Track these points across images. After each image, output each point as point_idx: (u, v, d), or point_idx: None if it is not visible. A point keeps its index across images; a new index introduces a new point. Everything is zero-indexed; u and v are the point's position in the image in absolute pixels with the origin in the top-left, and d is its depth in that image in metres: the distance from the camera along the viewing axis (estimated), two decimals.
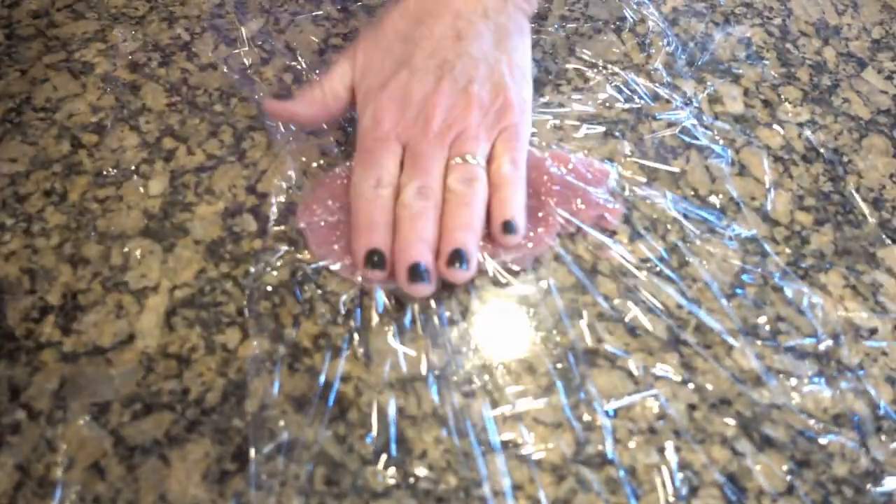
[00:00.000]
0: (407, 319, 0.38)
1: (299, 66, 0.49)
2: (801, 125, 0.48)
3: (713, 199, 0.44)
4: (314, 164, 0.44)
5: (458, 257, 0.37)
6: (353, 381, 0.36)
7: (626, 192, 0.44)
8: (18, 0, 0.52)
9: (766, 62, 0.51)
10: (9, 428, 0.34)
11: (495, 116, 0.41)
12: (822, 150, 0.46)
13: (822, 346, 0.38)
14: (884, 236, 0.43)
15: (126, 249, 0.40)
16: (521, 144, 0.42)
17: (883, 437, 0.35)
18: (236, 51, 0.50)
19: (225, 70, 0.48)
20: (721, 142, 0.46)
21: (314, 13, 0.53)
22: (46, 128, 0.45)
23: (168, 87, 0.48)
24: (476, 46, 0.42)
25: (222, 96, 0.47)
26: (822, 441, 0.35)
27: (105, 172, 0.43)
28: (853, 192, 0.45)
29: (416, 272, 0.37)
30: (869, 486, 0.34)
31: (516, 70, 0.43)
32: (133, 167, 0.43)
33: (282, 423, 0.34)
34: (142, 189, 0.42)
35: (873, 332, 0.39)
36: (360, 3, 0.53)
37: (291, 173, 0.43)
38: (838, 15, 0.55)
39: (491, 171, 0.40)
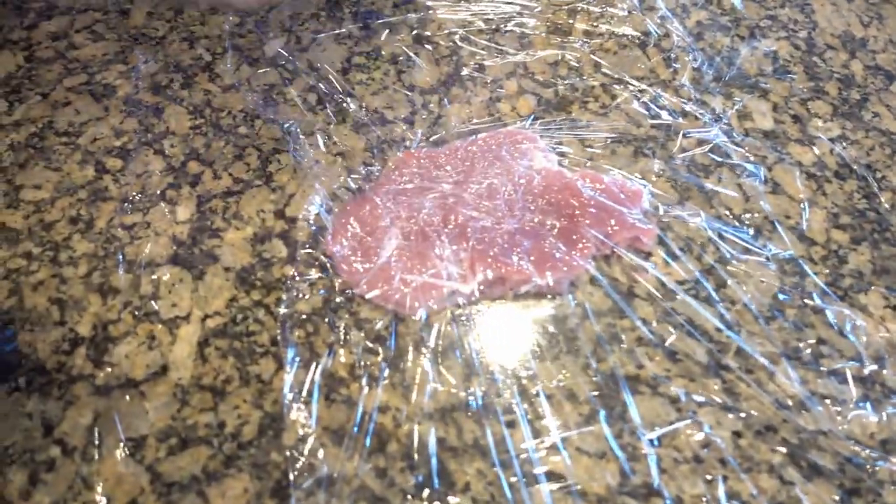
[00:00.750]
0: (444, 347, 0.37)
1: (323, 86, 0.48)
2: (832, 140, 0.47)
3: (747, 217, 0.43)
4: (342, 187, 0.43)
5: None
6: (391, 412, 0.35)
7: (660, 213, 0.43)
8: (37, 22, 0.52)
9: (794, 76, 0.51)
10: (43, 465, 0.33)
11: None
12: (854, 167, 0.46)
13: (866, 370, 0.37)
14: None
15: (155, 277, 0.39)
16: None
17: None
18: (259, 71, 0.49)
19: (248, 91, 0.48)
20: (752, 159, 0.46)
21: (336, 31, 0.52)
22: (70, 153, 0.44)
23: (191, 109, 0.47)
24: None
25: (246, 118, 0.47)
26: (872, 468, 0.34)
27: (131, 198, 0.42)
28: (888, 208, 0.44)
29: None
30: None
31: None
32: (159, 192, 0.43)
33: (321, 456, 0.34)
34: (169, 215, 0.42)
35: None
36: (381, 21, 0.53)
37: (318, 197, 0.43)
38: (864, 27, 0.55)
39: None
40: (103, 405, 0.35)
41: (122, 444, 0.34)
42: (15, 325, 0.37)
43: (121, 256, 0.40)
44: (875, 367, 0.38)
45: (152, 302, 0.38)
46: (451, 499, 0.33)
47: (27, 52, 0.50)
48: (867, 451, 0.35)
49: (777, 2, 0.56)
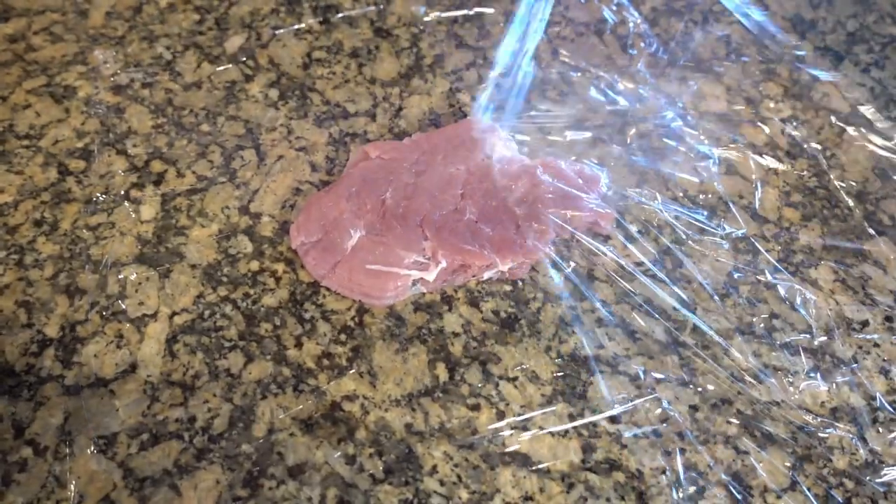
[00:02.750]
0: (409, 335, 0.38)
1: (284, 82, 0.49)
2: (783, 121, 0.49)
3: (702, 199, 0.44)
4: (305, 181, 0.44)
5: None
6: (359, 400, 0.36)
7: (618, 197, 0.44)
8: None
9: (746, 59, 0.52)
10: (15, 466, 0.34)
11: None
12: (805, 146, 0.47)
13: (816, 342, 0.39)
14: (869, 229, 0.44)
15: (122, 277, 0.40)
16: None
17: (880, 429, 0.36)
18: (220, 68, 0.49)
19: (210, 89, 0.48)
20: (706, 141, 0.47)
21: (296, 26, 0.52)
22: (32, 155, 0.44)
23: (153, 108, 0.47)
24: None
25: (209, 115, 0.47)
26: (822, 435, 0.36)
27: (95, 199, 0.43)
28: (838, 186, 0.46)
29: None
30: (868, 477, 0.35)
31: None
32: (123, 192, 0.43)
33: (290, 446, 0.35)
34: (133, 214, 0.42)
35: (864, 324, 0.40)
36: (341, 15, 0.53)
37: (283, 192, 0.43)
38: (813, 9, 0.56)
39: None
40: (73, 405, 0.35)
41: (93, 442, 0.34)
42: None
43: (86, 257, 0.40)
44: (825, 338, 0.39)
45: (119, 301, 0.39)
46: (418, 481, 0.34)
47: None
48: (818, 420, 0.36)
49: None
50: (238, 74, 0.49)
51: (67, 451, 0.34)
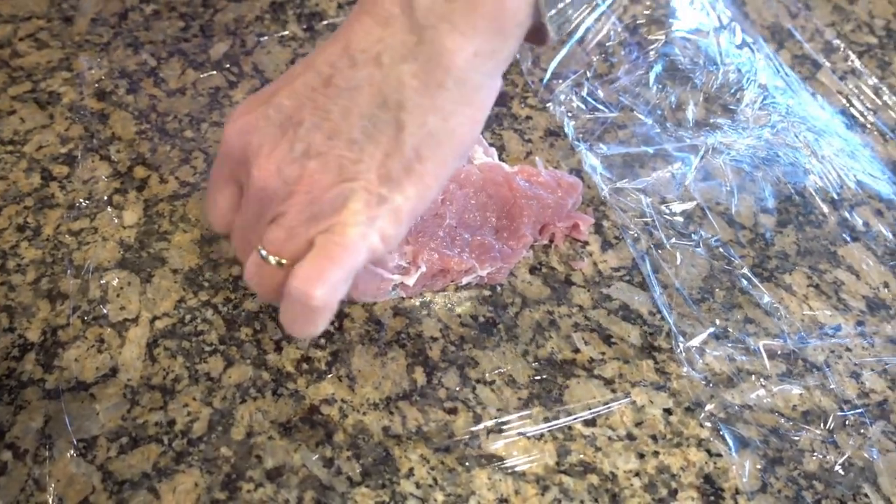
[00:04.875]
0: (388, 339, 0.39)
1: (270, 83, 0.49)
2: (761, 128, 0.49)
3: (679, 205, 0.45)
4: None
5: None
6: (337, 404, 0.37)
7: (596, 202, 0.45)
8: None
9: (726, 66, 0.53)
10: None
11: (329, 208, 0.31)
12: (781, 153, 0.48)
13: (789, 346, 0.40)
14: (843, 235, 0.45)
15: (104, 282, 0.40)
16: (340, 259, 0.31)
17: (850, 431, 0.37)
18: (204, 75, 0.50)
19: (194, 95, 0.49)
20: (685, 148, 0.48)
21: (280, 33, 0.53)
22: (16, 161, 0.45)
23: (137, 114, 0.48)
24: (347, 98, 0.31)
25: (192, 122, 0.47)
26: (793, 438, 0.37)
27: (78, 204, 0.43)
28: (813, 192, 0.46)
29: None
30: (838, 479, 0.35)
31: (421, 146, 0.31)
32: (106, 198, 0.43)
33: (269, 449, 0.35)
34: (116, 220, 0.42)
35: (837, 329, 0.41)
36: (325, 23, 0.54)
37: None
38: (791, 17, 0.57)
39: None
40: (54, 408, 0.36)
41: (73, 446, 0.35)
42: None
43: (69, 262, 0.41)
44: (797, 342, 0.40)
45: (101, 306, 0.39)
46: (395, 484, 0.34)
47: None
48: (789, 423, 0.37)
49: None
50: (222, 81, 0.50)
51: (47, 454, 0.34)
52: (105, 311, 0.39)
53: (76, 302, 0.39)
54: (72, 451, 0.34)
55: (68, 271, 0.40)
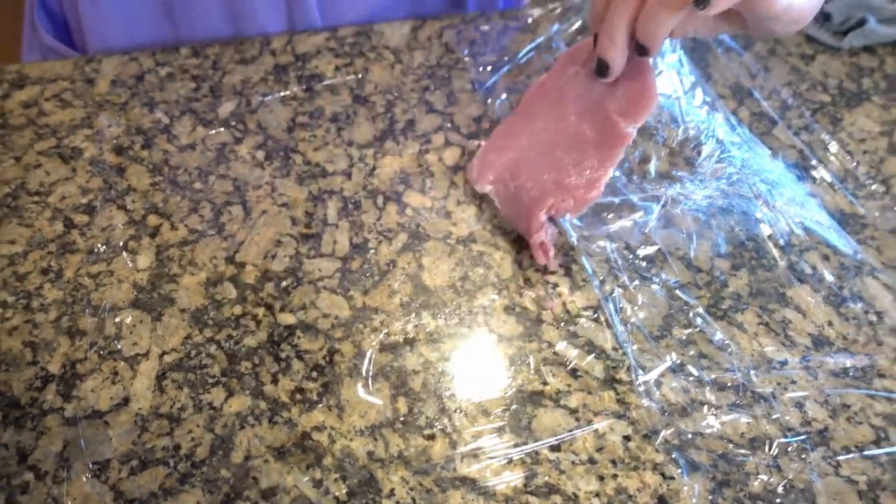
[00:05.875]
0: (374, 372, 0.43)
1: (270, 144, 0.54)
2: (717, 179, 0.54)
3: (643, 250, 0.49)
4: (286, 233, 0.49)
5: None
6: (327, 431, 0.40)
7: (566, 248, 0.49)
8: (10, 92, 0.57)
9: (687, 124, 0.58)
10: (18, 488, 0.38)
11: None
12: (735, 203, 0.53)
13: (739, 379, 0.43)
14: (792, 277, 0.49)
15: (118, 320, 0.44)
16: None
17: (792, 457, 0.41)
18: (213, 131, 0.55)
19: (203, 150, 0.54)
20: (648, 198, 0.52)
21: (282, 93, 0.58)
22: (41, 210, 0.50)
23: (151, 167, 0.53)
24: None
25: (201, 174, 0.52)
26: (741, 462, 0.40)
27: (96, 250, 0.48)
28: (765, 239, 0.51)
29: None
30: (779, 500, 0.39)
31: None
32: (122, 243, 0.48)
33: (264, 471, 0.39)
34: (130, 264, 0.47)
35: (783, 363, 0.44)
36: (324, 84, 0.59)
37: (265, 243, 0.48)
38: (751, 78, 0.62)
39: None
40: (72, 434, 0.40)
41: (88, 468, 0.38)
42: None
43: (87, 302, 0.45)
44: (747, 375, 0.44)
45: (115, 342, 0.43)
46: (377, 503, 0.38)
47: (1, 120, 0.55)
48: (738, 449, 0.41)
49: (675, 46, 0.63)
50: (229, 137, 0.55)
51: (65, 475, 0.38)
52: (119, 346, 0.43)
53: (93, 338, 0.43)
54: (87, 473, 0.38)
55: (87, 310, 0.45)
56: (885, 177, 0.55)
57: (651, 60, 0.46)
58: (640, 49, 0.43)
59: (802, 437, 0.41)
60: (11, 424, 0.40)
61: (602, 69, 0.45)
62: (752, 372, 0.44)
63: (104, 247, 0.48)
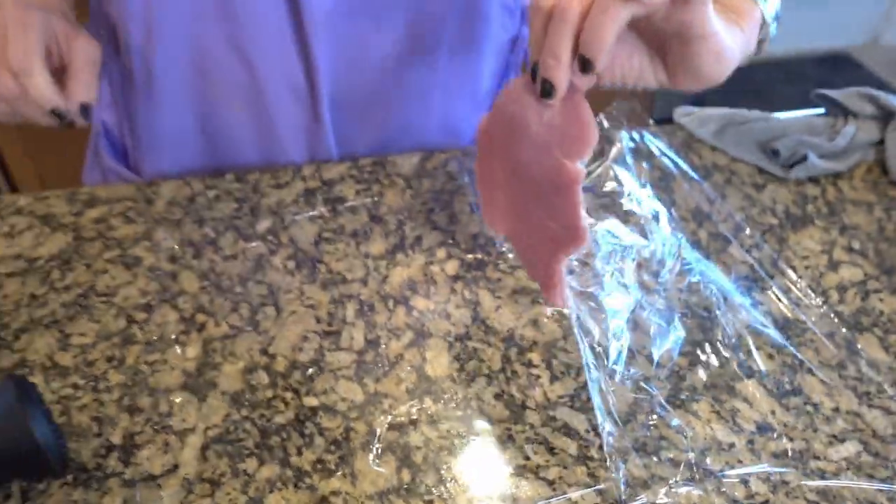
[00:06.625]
0: (382, 448, 0.51)
1: (300, 255, 0.65)
2: (679, 290, 0.63)
3: (613, 349, 0.58)
4: (311, 330, 0.58)
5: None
6: (342, 495, 0.48)
7: (549, 346, 0.58)
8: (83, 210, 0.68)
9: (655, 241, 0.68)
10: None
11: None
12: (696, 309, 0.62)
13: (692, 457, 0.51)
14: (741, 373, 0.57)
15: (170, 399, 0.53)
16: None
17: None
18: (251, 244, 0.65)
19: (243, 260, 0.64)
20: (619, 306, 0.61)
21: (310, 213, 0.69)
22: (107, 308, 0.59)
23: (199, 274, 0.63)
24: None
25: (241, 280, 0.62)
26: None
27: (153, 341, 0.57)
28: (719, 340, 0.59)
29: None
30: None
31: None
32: (174, 337, 0.57)
33: None
34: (181, 353, 0.56)
35: (732, 445, 0.52)
36: (346, 205, 0.70)
37: (294, 338, 0.57)
38: (710, 203, 0.73)
39: None
40: (129, 494, 0.47)
41: None
42: (65, 437, 0.50)
43: (144, 385, 0.54)
44: (699, 454, 0.51)
45: (167, 418, 0.52)
46: None
47: (75, 233, 0.66)
48: None
49: (645, 178, 0.74)
50: (265, 249, 0.65)
51: None
52: (170, 422, 0.52)
53: (149, 414, 0.52)
54: None
55: (144, 391, 0.53)
56: (825, 288, 0.65)
57: (583, 94, 0.47)
58: (584, 63, 0.43)
59: None
60: (81, 485, 0.48)
61: (547, 90, 0.45)
62: (704, 452, 0.52)
63: (159, 339, 0.57)
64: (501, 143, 0.53)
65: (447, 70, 0.76)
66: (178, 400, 0.53)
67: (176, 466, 0.49)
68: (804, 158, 0.76)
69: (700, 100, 0.86)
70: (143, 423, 0.51)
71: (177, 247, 0.65)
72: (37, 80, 0.54)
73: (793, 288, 0.64)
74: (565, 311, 0.58)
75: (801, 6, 2.32)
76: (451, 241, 0.67)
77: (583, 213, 0.48)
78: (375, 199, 0.71)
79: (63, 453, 0.47)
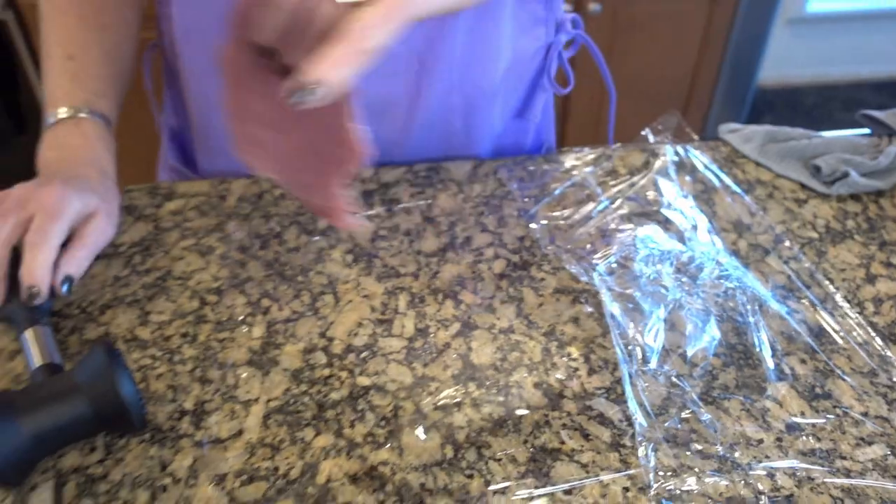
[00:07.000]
0: (428, 425, 0.55)
1: (357, 249, 0.69)
2: (716, 294, 0.66)
3: (649, 347, 0.61)
4: (366, 318, 0.63)
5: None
6: (390, 465, 0.52)
7: (585, 339, 0.61)
8: (162, 203, 0.75)
9: (694, 248, 0.71)
10: (160, 489, 0.50)
11: None
12: (731, 313, 0.64)
13: (721, 450, 0.54)
14: (773, 376, 0.59)
15: (237, 374, 0.58)
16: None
17: None
18: (314, 238, 0.71)
19: (305, 252, 0.69)
20: (650, 307, 0.64)
21: (368, 212, 0.74)
22: (182, 290, 0.65)
23: (265, 263, 0.68)
24: None
25: (302, 271, 0.67)
26: None
27: (222, 322, 0.62)
28: (753, 342, 0.62)
29: None
30: None
31: None
32: (241, 318, 0.63)
33: (341, 491, 0.51)
34: (247, 333, 0.61)
35: (760, 441, 0.55)
36: (400, 206, 0.75)
37: (350, 324, 0.62)
38: (751, 216, 0.75)
39: None
40: (199, 454, 0.53)
41: (210, 479, 0.51)
42: (145, 401, 0.56)
43: (214, 359, 0.59)
44: (729, 448, 0.54)
45: (234, 389, 0.57)
46: None
47: (155, 223, 0.72)
48: None
49: (688, 190, 0.77)
50: (325, 244, 0.70)
51: (193, 482, 0.51)
52: (237, 393, 0.57)
53: (218, 385, 0.57)
54: (210, 482, 0.51)
55: (214, 365, 0.59)
56: (860, 300, 0.66)
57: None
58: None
59: (772, 499, 0.51)
60: (157, 443, 0.53)
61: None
62: (733, 446, 0.54)
63: (228, 320, 0.63)
64: (249, 76, 0.46)
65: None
66: (243, 374, 0.58)
67: (241, 432, 0.54)
68: (846, 175, 0.78)
69: (753, 120, 0.89)
70: (213, 392, 0.57)
71: (245, 238, 0.71)
72: (39, 259, 0.58)
73: (828, 298, 0.66)
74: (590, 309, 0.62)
75: (861, 32, 2.31)
76: (498, 242, 0.71)
77: (357, 125, 0.43)
78: (429, 201, 0.75)
79: (143, 413, 0.53)
